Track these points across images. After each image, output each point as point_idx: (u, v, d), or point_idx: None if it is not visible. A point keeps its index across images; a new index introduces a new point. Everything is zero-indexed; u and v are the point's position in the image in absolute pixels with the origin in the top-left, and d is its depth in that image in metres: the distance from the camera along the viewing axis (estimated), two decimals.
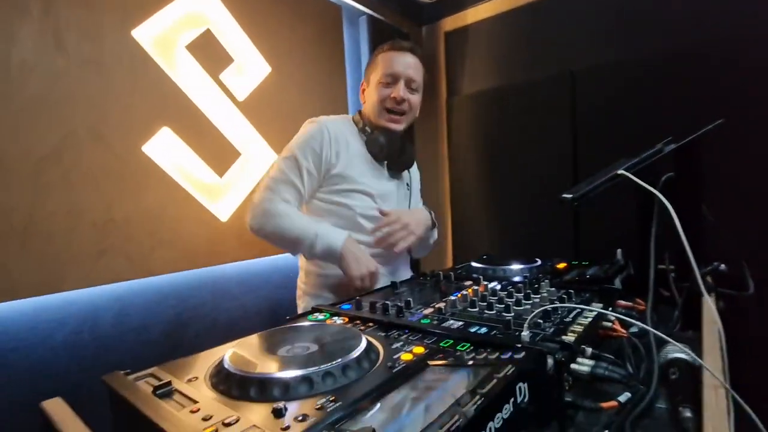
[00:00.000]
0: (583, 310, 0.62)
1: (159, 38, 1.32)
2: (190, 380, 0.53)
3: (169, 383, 0.50)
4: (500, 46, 2.28)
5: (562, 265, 1.13)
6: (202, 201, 1.43)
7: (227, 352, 0.55)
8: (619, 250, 1.12)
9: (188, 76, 1.39)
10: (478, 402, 0.37)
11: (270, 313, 1.70)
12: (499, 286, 0.91)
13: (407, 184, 1.38)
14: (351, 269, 1.09)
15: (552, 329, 0.62)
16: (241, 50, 1.55)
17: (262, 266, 1.69)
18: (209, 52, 1.46)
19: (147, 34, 1.29)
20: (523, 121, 2.13)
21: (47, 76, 1.11)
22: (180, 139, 1.37)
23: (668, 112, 1.67)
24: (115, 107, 1.23)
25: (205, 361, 0.58)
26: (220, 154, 1.49)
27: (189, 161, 1.40)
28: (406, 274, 1.34)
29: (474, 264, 1.15)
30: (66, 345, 1.19)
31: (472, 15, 2.40)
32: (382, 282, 1.14)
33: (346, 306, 0.83)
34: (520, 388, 0.42)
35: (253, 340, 0.63)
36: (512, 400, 0.40)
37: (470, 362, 0.51)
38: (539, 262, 1.13)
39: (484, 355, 0.50)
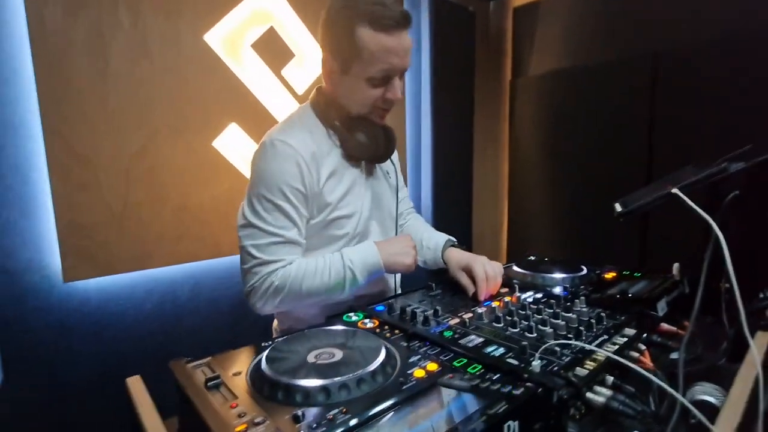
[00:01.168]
0: (583, 357, 0.62)
1: (227, 39, 1.43)
2: (235, 374, 0.63)
3: (218, 377, 0.60)
4: (574, 24, 2.10)
5: (610, 275, 1.09)
6: None
7: (265, 351, 0.64)
8: (676, 264, 1.05)
9: (253, 73, 1.50)
10: None
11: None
12: (531, 299, 0.92)
13: (387, 172, 1.13)
14: (404, 264, 0.94)
15: (569, 358, 0.63)
16: (302, 44, 1.62)
17: None
18: (272, 49, 1.55)
19: (217, 36, 1.40)
20: (595, 107, 1.98)
21: (135, 82, 1.27)
22: (246, 133, 1.49)
23: (762, 103, 1.46)
24: (189, 107, 1.37)
25: (251, 355, 0.68)
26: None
27: (253, 153, 1.52)
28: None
29: (515, 268, 1.15)
30: (154, 312, 1.41)
31: None
32: None
33: (379, 308, 0.89)
34: (509, 426, 0.46)
35: (292, 339, 0.71)
36: None
37: (475, 386, 0.54)
38: (585, 270, 1.10)
39: (487, 384, 0.54)
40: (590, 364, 0.62)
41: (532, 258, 1.28)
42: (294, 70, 1.60)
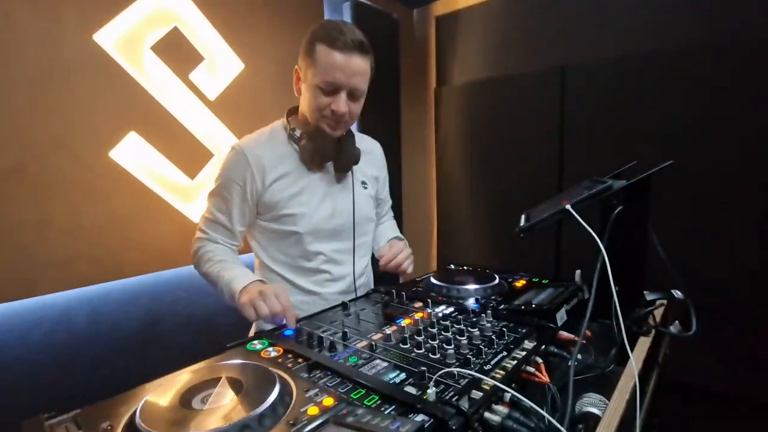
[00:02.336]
0: (480, 379, 0.63)
1: (123, 40, 1.30)
2: (105, 429, 0.55)
3: None
4: (491, 35, 2.19)
5: (520, 283, 1.13)
6: (174, 203, 1.45)
7: (141, 402, 0.57)
8: (578, 272, 1.11)
9: (155, 77, 1.37)
10: None
11: None
12: (441, 314, 0.92)
13: (362, 182, 1.25)
14: (240, 302, 0.97)
15: (467, 380, 0.63)
16: (212, 48, 1.52)
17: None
18: (177, 52, 1.43)
19: (109, 36, 1.27)
20: (511, 115, 2.08)
21: (3, 86, 1.11)
22: (148, 143, 1.37)
23: (656, 111, 1.62)
24: (78, 113, 1.23)
25: (130, 402, 0.60)
26: (191, 156, 1.49)
27: (158, 164, 1.40)
28: (363, 263, 1.29)
29: (432, 280, 1.16)
30: (43, 343, 1.24)
31: None
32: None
33: (288, 332, 0.85)
34: None
35: (176, 380, 0.65)
36: None
37: (366, 423, 0.52)
38: (497, 280, 1.13)
39: (378, 419, 0.52)
40: (487, 385, 0.63)
41: (452, 266, 1.31)
42: (203, 74, 1.49)
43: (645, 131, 1.64)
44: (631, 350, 0.80)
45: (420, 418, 0.55)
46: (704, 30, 1.53)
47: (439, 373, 0.62)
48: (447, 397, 0.59)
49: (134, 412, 0.55)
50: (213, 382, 0.62)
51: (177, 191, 1.45)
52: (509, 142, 2.11)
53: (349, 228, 1.21)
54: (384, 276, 1.28)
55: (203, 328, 1.57)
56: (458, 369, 0.64)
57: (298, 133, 1.11)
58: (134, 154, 1.33)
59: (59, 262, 1.22)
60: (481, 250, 2.23)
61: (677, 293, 0.99)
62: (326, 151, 1.11)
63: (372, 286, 1.28)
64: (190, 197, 1.49)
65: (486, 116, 2.21)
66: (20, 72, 1.12)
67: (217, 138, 1.56)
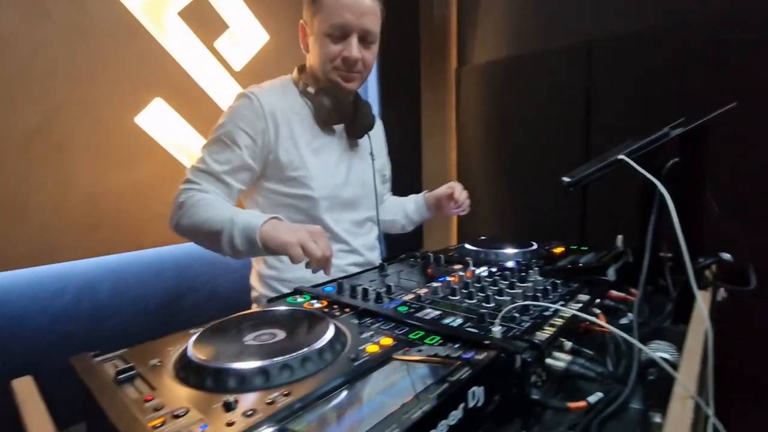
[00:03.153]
0: (551, 316, 0.59)
1: (148, 3, 1.27)
2: (155, 365, 0.52)
3: (132, 368, 0.50)
4: (514, 13, 2.15)
5: (558, 250, 1.10)
6: None
7: (194, 336, 0.55)
8: (619, 237, 1.08)
9: (181, 44, 1.35)
10: (421, 408, 0.35)
11: None
12: (486, 272, 0.89)
13: (370, 154, 1.15)
14: (281, 240, 0.81)
15: (528, 324, 0.60)
16: (237, 17, 1.50)
17: None
18: (202, 19, 1.41)
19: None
20: (535, 94, 2.04)
21: (30, 45, 1.09)
22: (173, 110, 1.34)
23: (687, 88, 1.57)
24: (104, 77, 1.21)
25: (176, 343, 0.57)
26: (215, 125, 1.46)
27: (183, 132, 1.38)
28: (373, 236, 1.20)
29: (467, 246, 1.13)
30: (65, 314, 1.22)
31: None
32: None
33: (328, 288, 0.82)
34: (473, 392, 0.41)
35: (225, 324, 0.62)
36: (462, 405, 0.39)
37: (434, 358, 0.49)
38: (535, 246, 1.10)
39: (447, 353, 0.49)
40: (549, 329, 0.59)
41: (483, 238, 1.27)
42: (228, 43, 1.47)
43: (677, 109, 1.59)
44: (688, 307, 0.77)
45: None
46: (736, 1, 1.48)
47: (510, 307, 0.58)
48: (513, 335, 0.56)
49: (185, 347, 0.53)
50: (263, 324, 0.60)
51: None
52: (533, 122, 2.06)
53: (363, 199, 1.12)
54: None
55: (224, 305, 1.55)
56: (528, 303, 0.60)
57: (311, 89, 1.02)
58: (159, 121, 1.31)
59: (81, 228, 1.19)
60: (503, 229, 2.19)
61: (726, 255, 0.95)
62: (344, 110, 1.02)
63: None
64: None
65: (509, 97, 2.17)
66: (48, 32, 1.10)
67: None
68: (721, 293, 0.94)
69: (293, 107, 1.01)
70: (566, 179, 0.89)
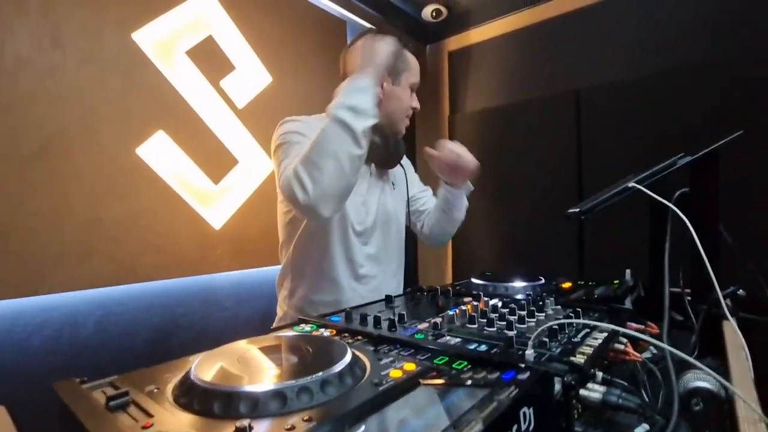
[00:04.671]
0: (594, 327, 0.56)
1: (159, 42, 1.31)
2: (151, 391, 0.47)
3: (125, 393, 0.44)
4: (503, 66, 2.27)
5: (567, 285, 1.07)
6: (196, 207, 1.39)
7: (197, 359, 0.49)
8: (628, 271, 1.06)
9: (187, 80, 1.37)
10: (476, 427, 0.31)
11: (262, 325, 1.63)
12: (500, 303, 0.85)
13: (392, 183, 1.26)
14: (382, 49, 0.94)
15: (559, 349, 0.56)
16: (243, 58, 1.54)
17: (256, 277, 1.63)
18: (210, 59, 1.44)
19: (147, 37, 1.28)
20: (526, 139, 2.11)
21: (41, 73, 1.09)
22: (175, 143, 1.34)
23: (673, 132, 1.64)
24: (109, 107, 1.20)
25: (174, 370, 0.52)
26: (216, 161, 1.46)
27: (184, 166, 1.36)
28: (397, 288, 1.26)
29: (474, 280, 1.09)
30: (44, 350, 1.13)
31: (476, 35, 2.40)
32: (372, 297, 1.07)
33: (335, 318, 0.77)
34: (524, 413, 0.36)
35: (230, 348, 0.57)
36: (515, 427, 0.35)
37: (468, 382, 0.45)
38: (543, 280, 1.07)
39: (483, 374, 0.45)
40: (581, 355, 0.55)
41: (487, 274, 1.24)
42: (233, 82, 1.50)
43: (664, 149, 1.65)
44: (713, 337, 0.73)
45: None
46: (713, 48, 1.59)
47: (543, 327, 0.55)
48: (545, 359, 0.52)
49: (188, 370, 0.47)
50: (272, 349, 0.55)
51: (199, 195, 1.40)
52: (525, 165, 2.11)
53: (396, 233, 1.21)
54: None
55: (215, 345, 1.46)
56: (567, 320, 0.57)
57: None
58: (161, 153, 1.30)
59: (73, 255, 1.13)
60: (498, 267, 2.16)
61: (740, 291, 0.94)
62: (389, 147, 1.13)
63: None
64: (211, 202, 1.43)
65: (500, 141, 2.23)
66: (58, 60, 1.10)
67: (243, 145, 1.54)
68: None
69: None
70: (575, 209, 0.89)
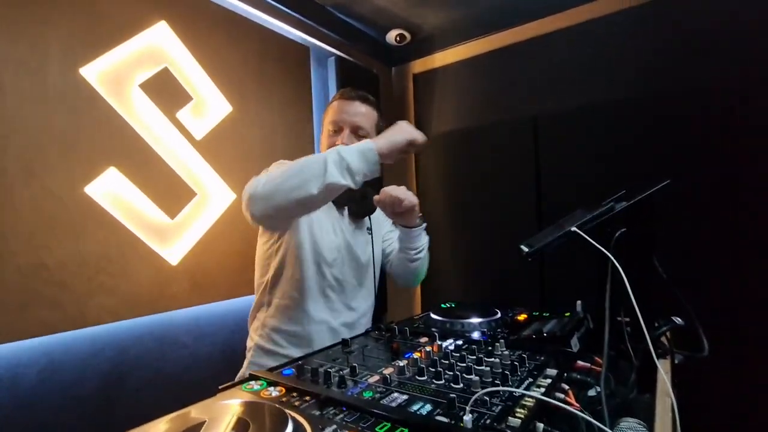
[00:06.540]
0: (522, 397, 0.58)
1: (110, 76, 1.27)
2: None
3: None
4: (467, 90, 2.34)
5: (522, 317, 1.10)
6: (150, 244, 1.35)
7: None
8: (579, 302, 1.10)
9: (141, 114, 1.34)
10: None
11: (223, 361, 1.59)
12: (453, 346, 0.87)
13: (368, 229, 1.35)
14: (402, 137, 1.04)
15: (500, 407, 0.58)
16: (201, 88, 1.52)
17: (216, 311, 1.59)
18: (166, 90, 1.41)
19: (96, 71, 1.24)
20: (489, 163, 2.16)
21: None
22: (128, 179, 1.30)
23: (629, 157, 1.73)
24: (54, 146, 1.16)
25: None
26: (173, 194, 1.42)
27: (138, 202, 1.32)
28: (366, 323, 1.29)
29: (433, 316, 1.11)
30: None
31: (440, 59, 2.46)
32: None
33: (287, 371, 0.77)
34: None
35: (168, 423, 0.55)
36: None
37: None
38: (499, 314, 1.10)
39: None
40: (521, 412, 0.57)
41: (445, 306, 1.26)
42: (190, 114, 1.47)
43: (618, 176, 1.73)
44: (651, 376, 0.77)
45: None
46: (668, 80, 1.69)
47: (480, 392, 0.56)
48: (483, 423, 0.53)
49: None
50: (213, 424, 0.53)
51: (154, 231, 1.35)
52: (487, 188, 2.17)
53: (362, 272, 1.29)
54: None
55: (173, 384, 1.41)
56: (496, 389, 0.59)
57: None
58: (111, 190, 1.25)
59: (13, 306, 1.07)
60: (464, 294, 2.20)
61: (677, 320, 0.99)
62: (350, 194, 1.14)
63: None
64: (168, 237, 1.39)
65: (463, 165, 2.29)
66: None
67: (202, 177, 1.50)
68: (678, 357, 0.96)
69: None
70: (524, 248, 0.92)
